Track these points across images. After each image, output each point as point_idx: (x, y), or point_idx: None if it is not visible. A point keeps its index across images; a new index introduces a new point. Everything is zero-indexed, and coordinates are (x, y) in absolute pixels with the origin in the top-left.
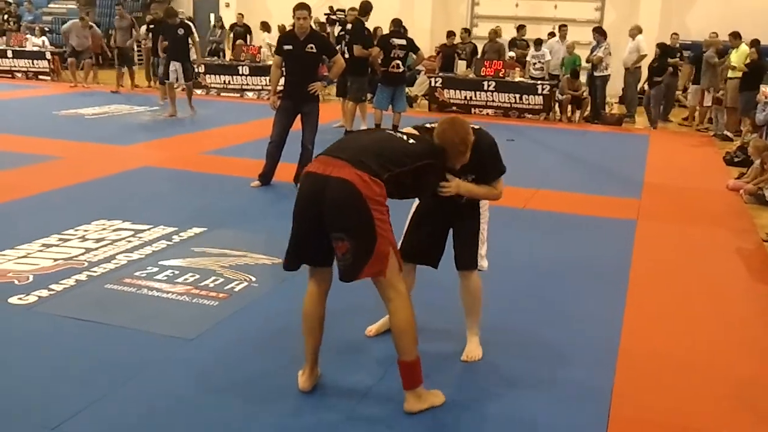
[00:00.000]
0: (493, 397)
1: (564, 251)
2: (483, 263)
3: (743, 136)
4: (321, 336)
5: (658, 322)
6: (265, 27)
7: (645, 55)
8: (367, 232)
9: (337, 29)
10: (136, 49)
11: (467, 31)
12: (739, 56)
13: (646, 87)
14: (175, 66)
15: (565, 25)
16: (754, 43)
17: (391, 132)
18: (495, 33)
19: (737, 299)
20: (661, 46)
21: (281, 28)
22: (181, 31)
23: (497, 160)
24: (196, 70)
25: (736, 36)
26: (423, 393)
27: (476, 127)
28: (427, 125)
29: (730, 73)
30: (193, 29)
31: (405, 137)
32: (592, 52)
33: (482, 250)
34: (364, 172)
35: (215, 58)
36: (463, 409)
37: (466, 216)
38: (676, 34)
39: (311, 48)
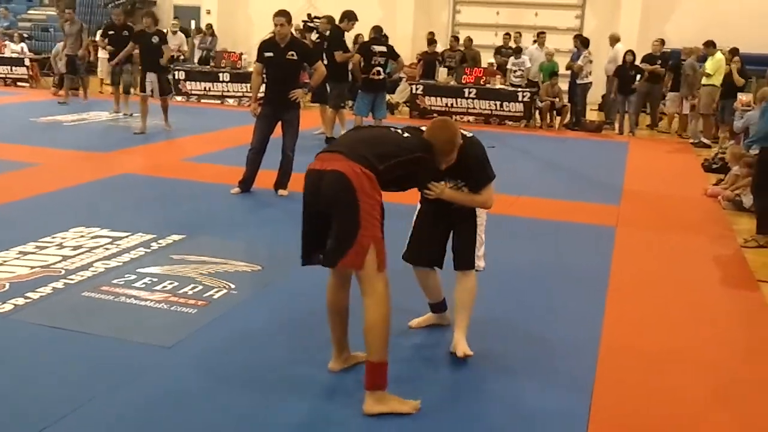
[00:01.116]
0: (488, 384)
1: (544, 257)
2: (480, 263)
3: (720, 143)
4: (344, 325)
5: (637, 325)
6: None
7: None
8: (351, 220)
9: (313, 36)
10: (87, 56)
11: (456, 38)
12: (713, 64)
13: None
14: (151, 78)
15: (544, 33)
16: (734, 52)
17: (388, 127)
18: (470, 40)
19: (715, 304)
20: (632, 53)
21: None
22: (155, 39)
23: (483, 168)
24: (171, 81)
25: (710, 44)
26: (386, 397)
27: (469, 135)
28: (421, 128)
29: (704, 80)
30: (167, 38)
31: (401, 131)
32: (572, 59)
33: (479, 251)
34: (357, 163)
35: (196, 64)
36: (456, 397)
37: (464, 218)
38: (658, 41)
39: (292, 55)
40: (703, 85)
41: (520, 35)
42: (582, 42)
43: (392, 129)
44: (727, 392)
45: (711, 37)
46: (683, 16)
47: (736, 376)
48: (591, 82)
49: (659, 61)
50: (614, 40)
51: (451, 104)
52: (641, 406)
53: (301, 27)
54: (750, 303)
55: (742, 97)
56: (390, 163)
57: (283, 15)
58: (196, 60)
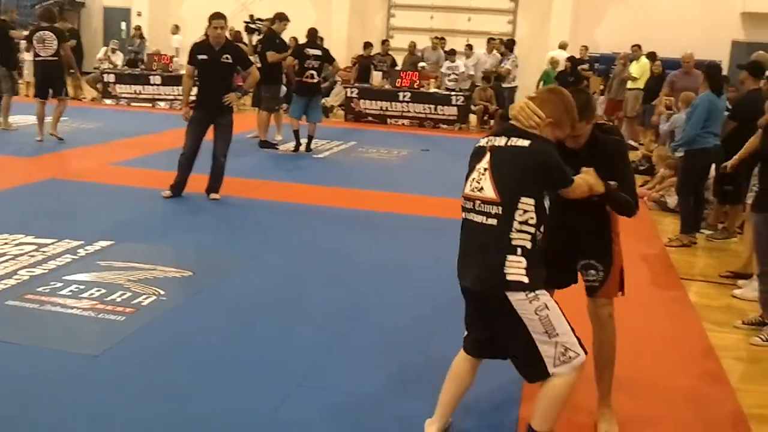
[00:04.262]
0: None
1: None
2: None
3: (646, 145)
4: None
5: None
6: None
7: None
8: None
9: (255, 38)
10: None
11: (386, 42)
12: (639, 68)
13: None
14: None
15: (494, 39)
16: (652, 56)
17: None
18: (413, 45)
19: (643, 303)
20: (571, 59)
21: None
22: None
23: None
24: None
25: (637, 49)
26: None
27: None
28: None
29: (630, 84)
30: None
31: None
32: (500, 64)
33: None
34: None
35: (126, 67)
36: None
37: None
38: (584, 47)
39: (227, 58)
40: (629, 89)
41: (445, 40)
42: (508, 46)
43: None
44: (657, 385)
45: (638, 41)
46: (611, 22)
47: (664, 370)
48: (517, 86)
49: (587, 65)
50: (561, 47)
51: (386, 108)
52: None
53: (243, 29)
54: (674, 300)
55: (666, 100)
56: None
57: (223, 18)
58: (120, 63)
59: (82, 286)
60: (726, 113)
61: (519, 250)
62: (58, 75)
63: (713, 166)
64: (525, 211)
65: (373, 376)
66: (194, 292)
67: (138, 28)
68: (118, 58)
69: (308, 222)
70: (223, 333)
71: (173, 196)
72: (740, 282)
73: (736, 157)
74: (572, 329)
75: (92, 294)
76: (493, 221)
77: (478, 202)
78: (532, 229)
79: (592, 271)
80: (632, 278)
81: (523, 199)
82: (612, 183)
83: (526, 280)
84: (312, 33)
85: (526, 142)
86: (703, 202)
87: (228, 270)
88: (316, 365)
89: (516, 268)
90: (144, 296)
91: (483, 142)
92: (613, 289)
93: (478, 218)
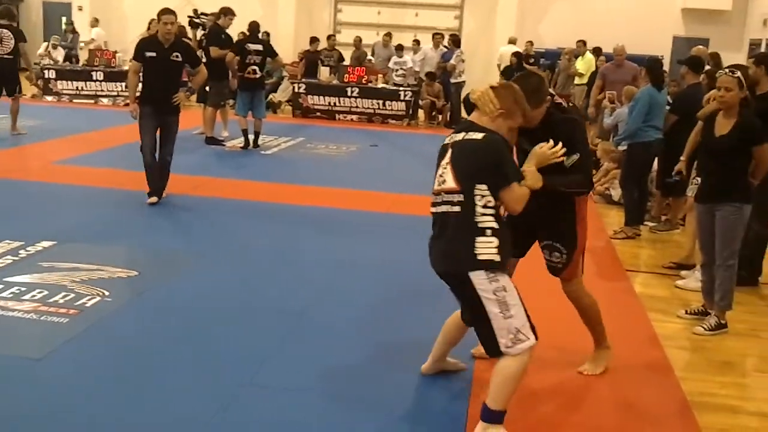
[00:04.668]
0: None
1: (425, 254)
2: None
3: (591, 139)
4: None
5: None
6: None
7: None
8: None
9: (199, 33)
10: None
11: (332, 36)
12: (584, 64)
13: None
14: None
15: (440, 34)
16: (597, 51)
17: None
18: (359, 40)
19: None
20: (517, 55)
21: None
22: None
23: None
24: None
25: (582, 44)
26: None
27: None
28: None
29: (576, 80)
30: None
31: None
32: (444, 59)
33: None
34: None
35: (67, 63)
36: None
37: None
38: (530, 42)
39: (176, 56)
40: (577, 85)
41: (391, 35)
42: (454, 41)
43: None
44: (603, 373)
45: (582, 37)
46: (556, 17)
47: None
48: (464, 81)
49: (532, 60)
50: (511, 42)
51: (335, 103)
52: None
53: (188, 23)
54: (620, 291)
55: (609, 95)
56: None
57: (173, 13)
58: (61, 59)
59: (23, 288)
60: (667, 107)
61: (489, 231)
62: (13, 73)
63: (656, 159)
64: (483, 196)
65: (321, 373)
66: (140, 293)
67: (71, 23)
68: (60, 54)
69: (256, 219)
70: (170, 333)
71: (159, 199)
72: (683, 273)
73: (682, 158)
74: (527, 314)
75: (34, 296)
76: (457, 209)
77: (443, 194)
78: (493, 211)
79: (556, 254)
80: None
81: (479, 186)
82: (573, 156)
83: (497, 258)
84: (253, 27)
85: (479, 135)
86: (647, 194)
87: (175, 269)
88: (264, 364)
89: (487, 247)
90: (88, 297)
91: (447, 140)
92: (575, 269)
93: (445, 208)
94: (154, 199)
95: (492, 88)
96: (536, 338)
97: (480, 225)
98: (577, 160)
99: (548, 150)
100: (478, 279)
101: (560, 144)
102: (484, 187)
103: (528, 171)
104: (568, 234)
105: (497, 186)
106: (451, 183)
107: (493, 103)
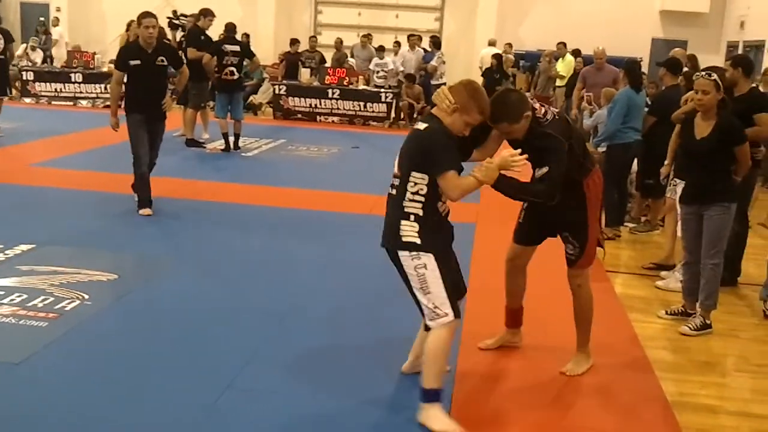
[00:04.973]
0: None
1: None
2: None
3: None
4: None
5: (497, 318)
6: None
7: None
8: None
9: (179, 35)
10: None
11: (314, 38)
12: (565, 66)
13: None
14: None
15: (415, 35)
16: (577, 53)
17: None
18: (340, 42)
19: (570, 294)
20: (497, 57)
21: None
22: None
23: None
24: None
25: (562, 47)
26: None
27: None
28: None
29: (558, 83)
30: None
31: None
32: (425, 60)
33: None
34: None
35: (45, 65)
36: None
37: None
38: (509, 44)
39: (162, 61)
40: (558, 87)
41: (370, 37)
42: (435, 43)
43: None
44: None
45: (562, 39)
46: (536, 20)
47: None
48: (445, 83)
49: (512, 64)
50: (491, 44)
51: (315, 105)
52: (500, 393)
53: (167, 24)
54: (600, 292)
55: (588, 95)
56: None
57: (154, 17)
58: (39, 61)
59: (1, 292)
60: (646, 109)
61: (411, 217)
62: (3, 74)
63: (635, 160)
64: (416, 184)
65: (305, 375)
66: (120, 296)
67: (42, 23)
68: (38, 56)
69: (237, 222)
70: (151, 336)
71: (152, 210)
72: (663, 273)
73: (666, 162)
74: (447, 293)
75: (13, 300)
76: (394, 192)
77: (393, 178)
78: (422, 199)
79: (570, 246)
80: (559, 271)
81: (415, 173)
82: (543, 169)
83: (418, 241)
84: (230, 28)
85: (423, 126)
86: (627, 196)
87: (155, 272)
88: (246, 366)
89: (409, 230)
90: (67, 301)
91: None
92: (585, 263)
93: (390, 191)
94: (148, 210)
95: (450, 86)
96: (456, 316)
97: (406, 210)
98: (546, 173)
99: (510, 156)
100: (403, 257)
101: (527, 155)
102: (420, 175)
103: (485, 165)
104: (580, 228)
105: (431, 173)
106: (395, 168)
107: (448, 99)
